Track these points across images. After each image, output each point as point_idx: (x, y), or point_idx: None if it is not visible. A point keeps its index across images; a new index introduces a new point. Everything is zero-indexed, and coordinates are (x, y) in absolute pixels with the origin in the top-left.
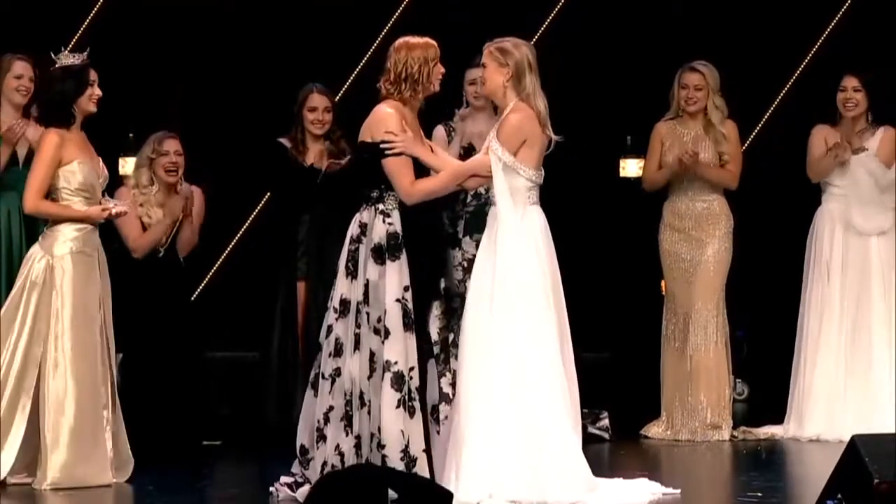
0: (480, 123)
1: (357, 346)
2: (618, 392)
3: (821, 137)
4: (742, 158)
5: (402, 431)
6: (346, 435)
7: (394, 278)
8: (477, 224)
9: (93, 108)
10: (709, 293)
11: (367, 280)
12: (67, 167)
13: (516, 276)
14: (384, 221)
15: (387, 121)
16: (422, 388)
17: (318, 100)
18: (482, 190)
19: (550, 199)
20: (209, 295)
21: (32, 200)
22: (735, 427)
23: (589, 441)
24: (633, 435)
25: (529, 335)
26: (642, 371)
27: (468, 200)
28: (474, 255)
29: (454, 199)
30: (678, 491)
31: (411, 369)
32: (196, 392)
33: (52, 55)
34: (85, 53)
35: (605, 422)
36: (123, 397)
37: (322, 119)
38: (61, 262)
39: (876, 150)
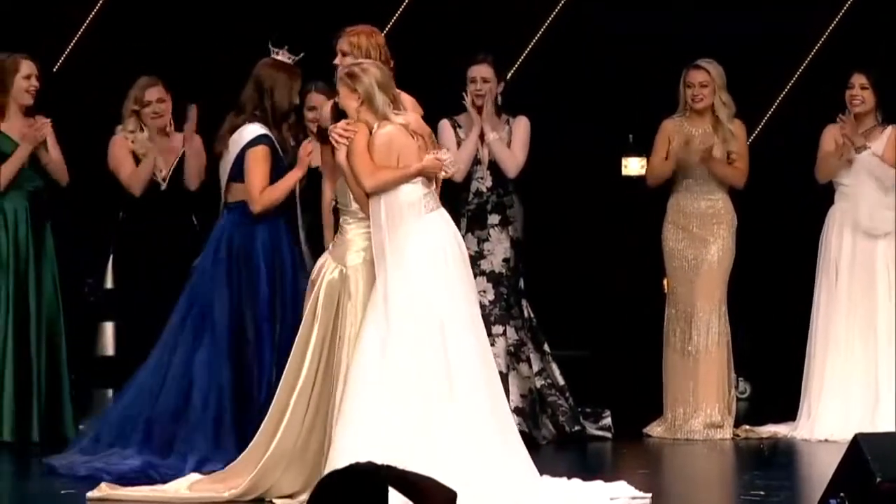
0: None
1: None
2: (620, 391)
3: (831, 137)
4: (748, 157)
5: None
6: None
7: None
8: (477, 222)
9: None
10: (711, 292)
11: None
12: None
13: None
14: None
15: None
16: None
17: (316, 99)
18: (483, 188)
19: (553, 197)
20: None
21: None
22: (737, 426)
23: (591, 440)
24: (636, 434)
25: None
26: (645, 370)
27: (469, 199)
28: (476, 252)
29: (456, 196)
30: (649, 495)
31: None
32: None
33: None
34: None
35: (608, 421)
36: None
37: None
38: (354, 272)
39: (882, 150)
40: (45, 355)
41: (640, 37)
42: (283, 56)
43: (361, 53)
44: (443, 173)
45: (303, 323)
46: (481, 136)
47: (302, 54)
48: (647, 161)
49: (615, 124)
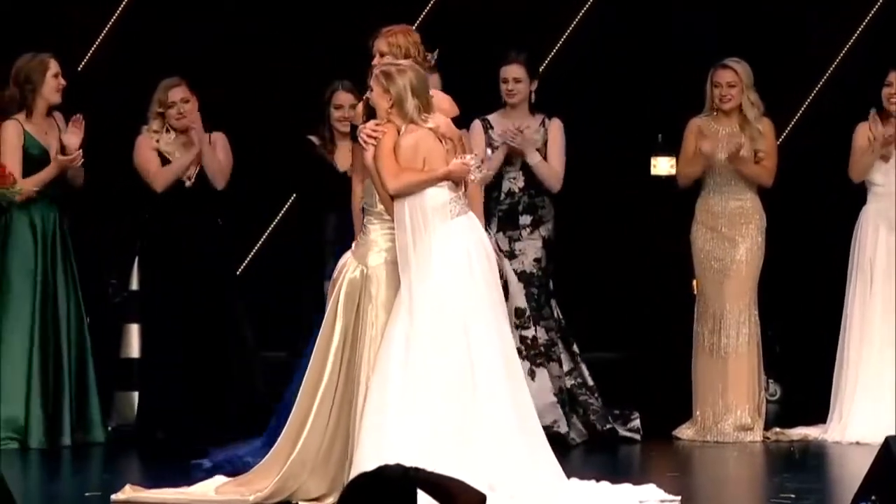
0: (515, 121)
1: None
2: (649, 393)
3: (864, 135)
4: (777, 156)
5: None
6: None
7: None
8: (509, 222)
9: None
10: (741, 292)
11: None
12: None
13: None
14: None
15: None
16: None
17: (343, 97)
18: (515, 189)
19: (582, 197)
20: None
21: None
22: (767, 428)
23: (619, 442)
24: (665, 436)
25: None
26: (674, 372)
27: (501, 198)
28: (507, 252)
29: (487, 196)
30: (678, 498)
31: None
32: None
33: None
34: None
35: (636, 423)
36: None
37: (348, 116)
38: (376, 272)
39: None
40: (75, 359)
41: (668, 35)
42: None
43: (401, 53)
44: (470, 177)
45: (324, 323)
46: (519, 131)
47: (437, 50)
48: (676, 161)
49: (644, 123)
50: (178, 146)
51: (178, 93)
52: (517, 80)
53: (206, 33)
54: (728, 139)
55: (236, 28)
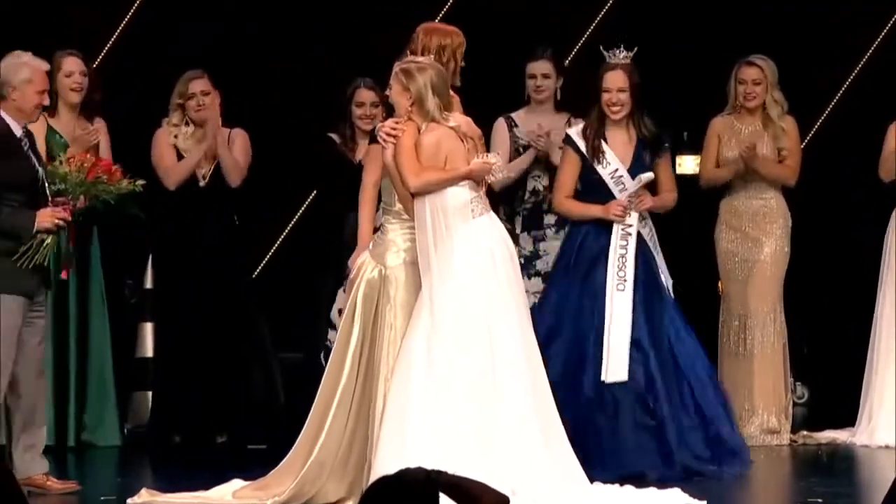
0: (541, 118)
1: None
2: None
3: None
4: (801, 154)
5: None
6: None
7: None
8: (533, 221)
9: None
10: (766, 293)
11: None
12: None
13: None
14: None
15: None
16: None
17: (365, 95)
18: (540, 187)
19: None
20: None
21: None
22: (795, 431)
23: None
24: None
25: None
26: None
27: (526, 198)
28: (531, 252)
29: (512, 195)
30: (703, 502)
31: None
32: (242, 390)
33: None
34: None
35: None
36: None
37: (370, 114)
38: (394, 273)
39: None
40: (90, 361)
41: (694, 31)
42: (616, 56)
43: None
44: (490, 178)
45: (342, 324)
46: (546, 134)
47: (636, 48)
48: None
49: (669, 122)
50: (194, 142)
51: (199, 85)
52: (546, 76)
53: (206, 33)
54: (749, 137)
55: (236, 28)
